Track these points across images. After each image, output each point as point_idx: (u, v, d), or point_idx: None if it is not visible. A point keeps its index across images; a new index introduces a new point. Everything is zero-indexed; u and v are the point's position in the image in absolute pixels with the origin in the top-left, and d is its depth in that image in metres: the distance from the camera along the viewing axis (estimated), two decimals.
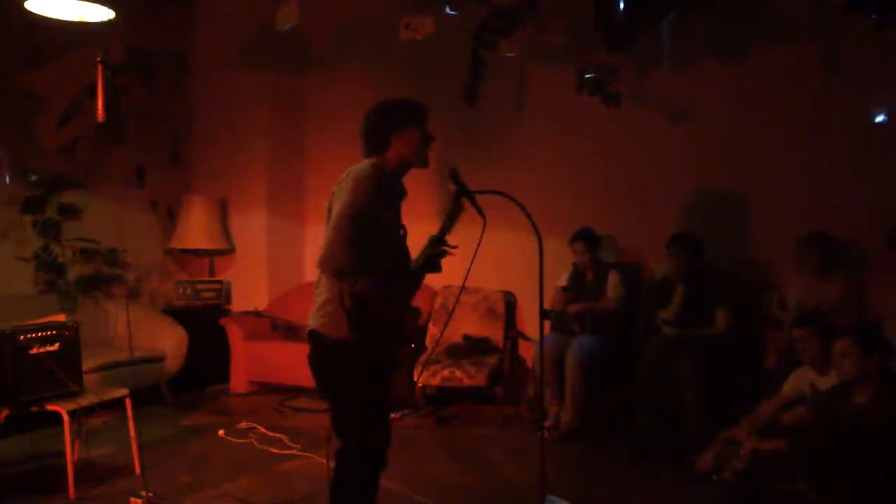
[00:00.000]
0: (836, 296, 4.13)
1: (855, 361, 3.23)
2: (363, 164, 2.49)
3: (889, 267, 4.26)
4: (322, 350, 2.52)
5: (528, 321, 5.42)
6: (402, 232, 2.61)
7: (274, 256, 6.26)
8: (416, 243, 2.63)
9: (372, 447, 2.57)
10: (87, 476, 3.73)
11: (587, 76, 4.68)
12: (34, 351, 3.49)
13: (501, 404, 5.04)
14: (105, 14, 3.50)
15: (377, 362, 2.53)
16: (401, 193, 2.63)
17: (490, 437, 4.63)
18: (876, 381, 3.21)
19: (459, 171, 2.67)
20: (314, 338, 2.53)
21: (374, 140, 2.57)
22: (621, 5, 4.28)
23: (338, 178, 2.58)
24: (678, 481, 3.75)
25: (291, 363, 5.37)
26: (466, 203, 2.62)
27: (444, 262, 2.63)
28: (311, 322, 2.53)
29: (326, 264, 2.39)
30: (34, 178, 5.08)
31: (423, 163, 2.62)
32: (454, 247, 2.57)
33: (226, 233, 6.24)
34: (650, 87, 4.95)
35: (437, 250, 2.56)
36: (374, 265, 2.42)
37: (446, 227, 2.58)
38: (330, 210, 2.47)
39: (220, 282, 6.13)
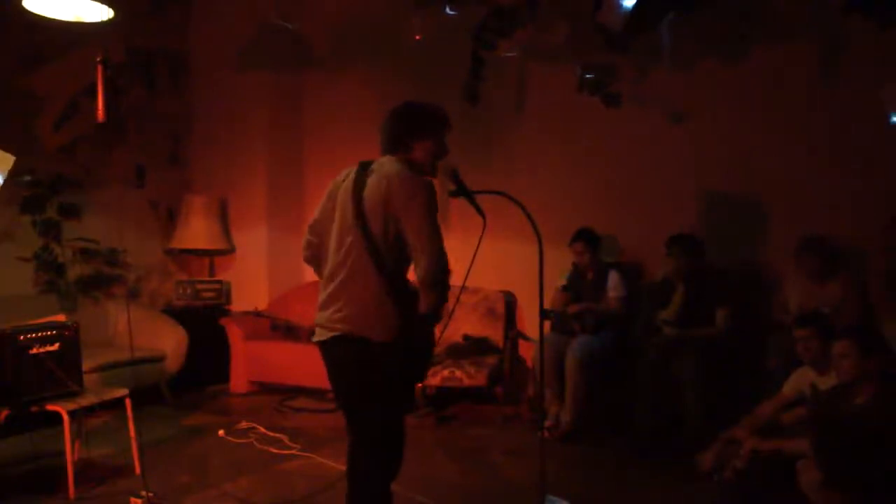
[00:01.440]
0: (836, 298, 4.13)
1: (854, 362, 3.23)
2: (404, 169, 2.48)
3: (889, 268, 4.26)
4: (359, 353, 2.46)
5: (528, 321, 5.42)
6: None
7: (274, 256, 6.26)
8: None
9: (395, 448, 2.60)
10: (87, 476, 3.73)
11: (587, 76, 4.68)
12: (34, 351, 3.49)
13: (501, 404, 5.04)
14: (105, 13, 3.50)
15: (414, 365, 2.57)
16: None
17: (490, 437, 4.63)
18: (876, 381, 3.21)
19: (459, 171, 2.67)
20: (347, 341, 2.46)
21: (395, 141, 2.58)
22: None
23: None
24: (678, 481, 3.76)
25: (291, 363, 5.39)
26: (448, 185, 2.66)
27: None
28: (342, 326, 2.46)
29: (436, 277, 2.40)
30: (27, 178, 5.08)
31: (433, 171, 2.63)
32: None
33: (226, 233, 6.24)
34: (650, 87, 4.94)
35: None
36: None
37: None
38: (386, 212, 2.42)
39: (220, 282, 6.13)
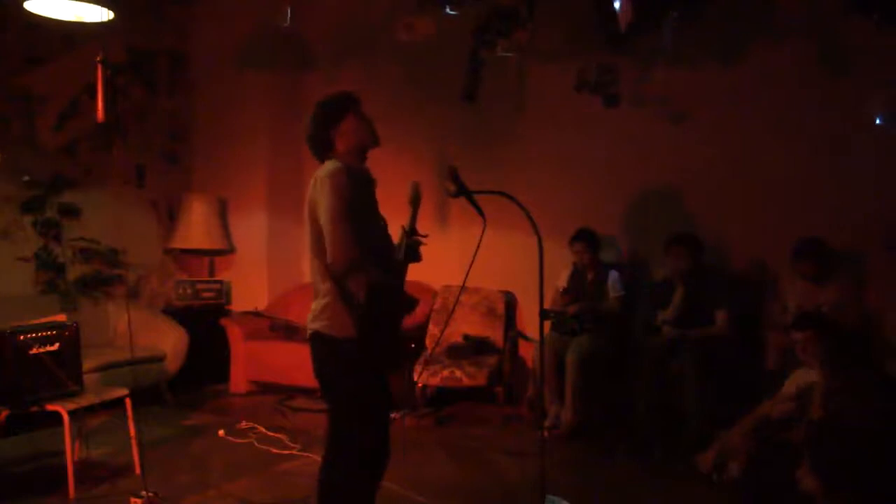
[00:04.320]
0: (834, 300, 4.13)
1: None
2: (327, 164, 2.51)
3: (887, 269, 4.26)
4: (327, 350, 2.53)
5: (528, 321, 5.42)
6: (382, 223, 2.63)
7: (274, 256, 6.26)
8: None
9: (370, 448, 2.57)
10: (87, 476, 3.73)
11: (587, 76, 4.68)
12: (34, 351, 3.49)
13: (501, 404, 5.03)
14: (104, 14, 3.50)
15: (381, 360, 2.56)
16: (371, 181, 2.64)
17: (490, 437, 4.63)
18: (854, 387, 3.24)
19: (458, 171, 2.67)
20: (318, 339, 2.54)
21: (320, 144, 2.60)
22: (618, 5, 4.26)
23: None
24: (678, 481, 3.76)
25: (291, 363, 5.39)
26: (448, 185, 2.62)
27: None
28: (313, 324, 2.54)
29: (338, 262, 2.40)
30: (27, 178, 5.09)
31: (375, 142, 2.63)
32: (425, 235, 2.60)
33: (226, 233, 6.23)
34: (650, 87, 4.94)
35: (412, 240, 2.57)
36: (378, 256, 2.46)
37: (413, 217, 2.59)
38: (312, 215, 2.48)
39: (220, 282, 6.13)
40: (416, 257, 2.59)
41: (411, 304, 2.63)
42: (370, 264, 2.44)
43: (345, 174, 2.44)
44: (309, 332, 2.57)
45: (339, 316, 2.48)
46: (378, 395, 2.59)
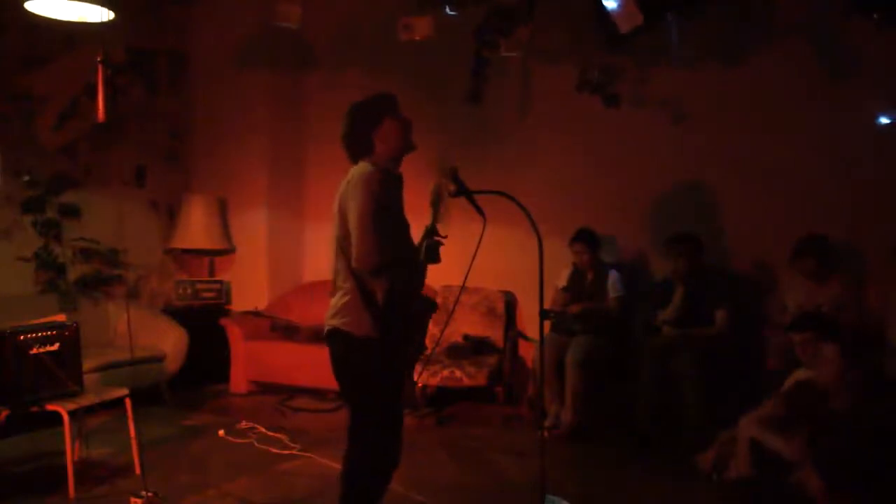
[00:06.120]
0: (834, 299, 4.13)
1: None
2: (362, 166, 2.55)
3: (888, 269, 4.26)
4: (344, 347, 2.55)
5: (528, 321, 5.42)
6: (407, 225, 2.66)
7: (274, 256, 6.26)
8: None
9: (388, 445, 2.59)
10: (87, 476, 3.73)
11: (588, 76, 4.68)
12: (34, 351, 3.49)
13: (501, 404, 5.04)
14: (105, 14, 3.50)
15: (397, 359, 2.58)
16: (401, 184, 2.66)
17: (490, 437, 4.63)
18: (856, 387, 3.24)
19: (458, 171, 2.67)
20: (337, 336, 2.55)
21: (359, 145, 2.62)
22: (620, 7, 4.26)
23: (338, 178, 2.60)
24: (678, 481, 3.76)
25: (291, 363, 5.40)
26: (448, 185, 2.63)
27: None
28: (332, 321, 2.56)
29: (363, 265, 2.43)
30: (27, 178, 5.09)
31: (410, 148, 2.67)
32: (445, 237, 2.60)
33: (226, 233, 6.23)
34: (650, 88, 4.94)
35: (432, 241, 2.58)
36: (401, 259, 2.50)
37: (435, 216, 2.60)
38: (341, 213, 2.52)
39: (220, 282, 6.13)
40: (436, 258, 2.59)
41: (430, 306, 2.65)
42: (395, 269, 2.46)
43: (379, 178, 2.48)
44: (327, 328, 2.59)
45: (359, 314, 2.50)
46: (392, 394, 2.61)
